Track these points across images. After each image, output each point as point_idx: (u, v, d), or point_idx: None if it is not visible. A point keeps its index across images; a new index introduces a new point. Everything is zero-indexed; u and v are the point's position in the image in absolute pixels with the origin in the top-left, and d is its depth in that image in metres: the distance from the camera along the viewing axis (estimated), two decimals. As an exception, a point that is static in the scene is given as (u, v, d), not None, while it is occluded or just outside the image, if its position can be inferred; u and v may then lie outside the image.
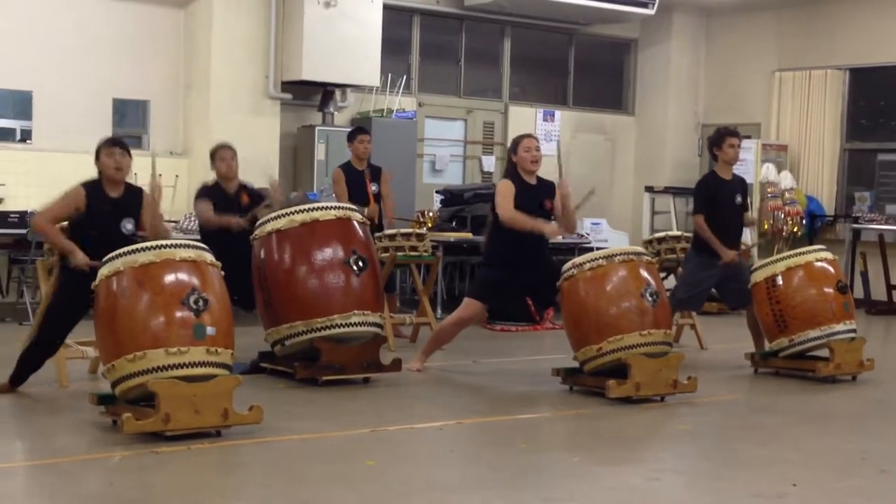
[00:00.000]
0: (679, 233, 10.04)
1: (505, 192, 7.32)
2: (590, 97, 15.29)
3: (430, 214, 11.45)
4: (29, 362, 6.46)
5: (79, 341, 6.92)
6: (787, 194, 13.90)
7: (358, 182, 9.21)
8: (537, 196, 7.41)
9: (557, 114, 14.69)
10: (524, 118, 14.38)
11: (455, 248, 11.03)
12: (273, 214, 7.24)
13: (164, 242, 5.70)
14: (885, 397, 7.53)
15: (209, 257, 5.72)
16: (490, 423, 6.33)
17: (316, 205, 7.46)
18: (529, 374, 7.85)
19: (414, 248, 9.08)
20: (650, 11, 14.14)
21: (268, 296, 7.11)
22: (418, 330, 9.29)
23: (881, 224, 13.31)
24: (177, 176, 11.70)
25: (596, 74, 15.54)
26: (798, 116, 14.28)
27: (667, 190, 14.24)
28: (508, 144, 7.76)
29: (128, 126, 12.11)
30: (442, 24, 14.07)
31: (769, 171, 13.87)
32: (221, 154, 8.12)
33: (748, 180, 9.39)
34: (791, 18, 14.54)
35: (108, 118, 11.60)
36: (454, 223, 11.72)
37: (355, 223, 7.22)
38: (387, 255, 8.81)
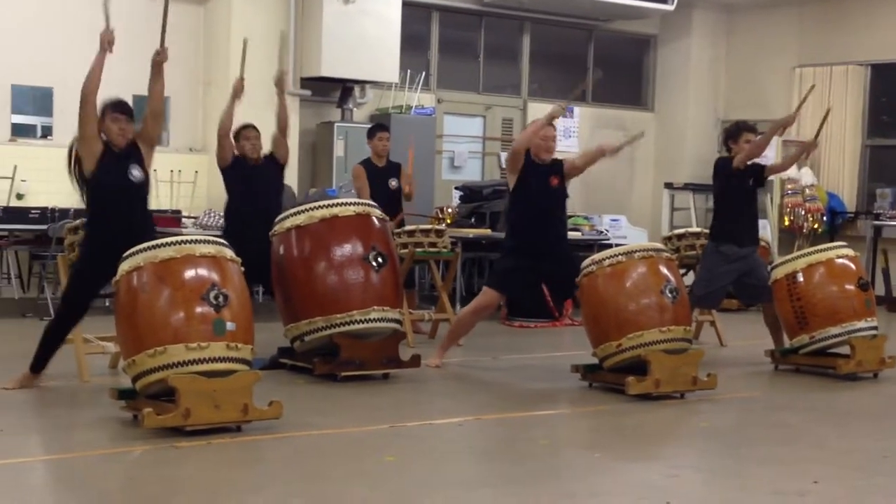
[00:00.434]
0: (699, 229, 10.01)
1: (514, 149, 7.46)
2: (609, 93, 15.25)
3: (449, 211, 11.44)
4: (50, 338, 6.49)
5: (99, 336, 6.96)
6: (807, 191, 13.85)
7: (379, 178, 9.22)
8: (547, 175, 7.42)
9: (577, 110, 14.66)
10: (543, 114, 14.33)
11: (474, 244, 11.02)
12: (293, 210, 7.24)
13: (184, 238, 5.72)
14: (906, 395, 7.50)
15: (229, 253, 5.73)
16: (509, 420, 6.32)
17: (335, 201, 7.48)
18: (548, 370, 7.84)
19: (433, 245, 9.08)
20: (670, 7, 14.11)
21: (287, 292, 7.12)
22: (437, 326, 9.29)
23: (903, 221, 13.25)
24: (196, 172, 11.75)
25: (615, 71, 15.50)
26: (819, 112, 14.15)
27: (686, 186, 14.19)
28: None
29: (148, 122, 12.14)
30: (461, 20, 14.07)
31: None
32: (246, 133, 8.18)
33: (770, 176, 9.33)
34: (812, 14, 14.47)
35: (126, 103, 11.61)
36: (473, 219, 11.72)
37: (375, 219, 7.22)
38: (406, 251, 8.81)
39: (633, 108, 15.51)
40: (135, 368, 5.50)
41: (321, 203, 7.26)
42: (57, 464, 5.06)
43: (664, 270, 6.94)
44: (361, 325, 6.95)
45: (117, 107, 6.46)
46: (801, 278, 7.87)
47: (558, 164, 7.55)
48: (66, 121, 11.24)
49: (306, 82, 12.12)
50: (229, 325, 5.49)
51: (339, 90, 12.43)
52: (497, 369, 8.01)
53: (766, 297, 8.13)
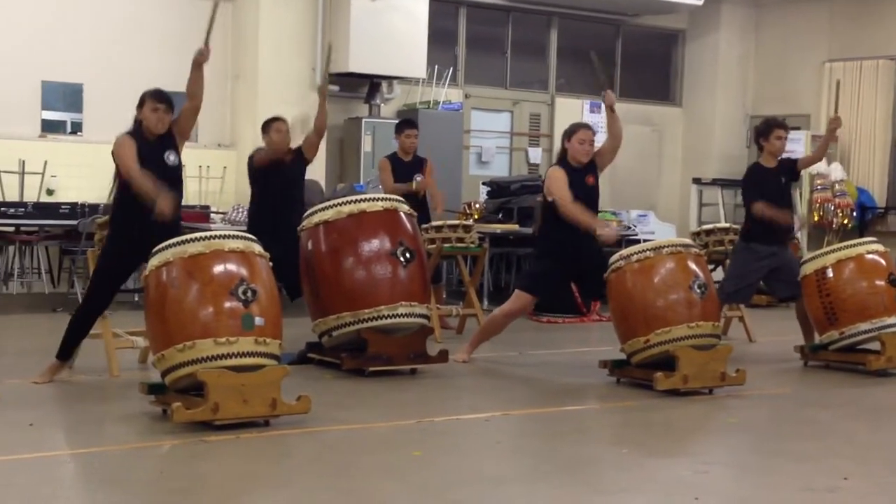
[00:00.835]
0: (727, 225, 9.97)
1: (558, 178, 7.30)
2: (637, 89, 15.20)
3: (477, 206, 11.45)
4: (77, 326, 6.53)
5: (129, 331, 6.99)
6: (837, 186, 13.77)
7: (404, 173, 9.23)
8: (583, 175, 7.39)
9: (604, 106, 14.60)
10: (571, 110, 14.33)
11: (501, 239, 11.01)
12: (321, 206, 7.26)
13: (213, 233, 5.74)
14: (937, 391, 7.44)
15: (257, 248, 5.75)
16: (537, 415, 6.32)
17: (363, 196, 7.48)
18: (576, 365, 7.82)
19: (461, 240, 9.08)
20: (698, 2, 14.06)
21: (315, 287, 7.13)
22: (465, 321, 9.28)
23: (933, 216, 13.15)
24: (224, 167, 11.79)
25: (643, 66, 15.45)
26: (849, 107, 14.10)
27: (715, 182, 14.14)
28: (560, 133, 7.77)
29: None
30: (488, 16, 14.05)
31: (819, 162, 13.70)
32: (278, 126, 8.29)
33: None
34: (842, 8, 14.37)
35: (167, 95, 11.68)
36: (500, 215, 11.70)
37: (402, 214, 7.23)
38: (433, 246, 8.81)
39: (661, 104, 15.45)
40: (164, 363, 5.53)
41: (349, 198, 7.27)
42: (87, 458, 5.09)
43: (693, 266, 6.91)
44: (389, 321, 6.96)
45: (157, 96, 6.50)
46: (830, 274, 7.82)
47: (591, 162, 7.51)
48: (95, 117, 11.35)
49: (334, 78, 12.12)
50: (258, 320, 5.51)
51: (366, 86, 12.44)
52: (525, 365, 8.00)
53: (799, 293, 8.08)
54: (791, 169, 8.30)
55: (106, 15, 11.48)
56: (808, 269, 7.95)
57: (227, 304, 5.48)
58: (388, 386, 6.83)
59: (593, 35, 14.98)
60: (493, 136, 14.12)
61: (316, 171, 11.19)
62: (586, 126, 7.63)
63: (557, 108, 14.41)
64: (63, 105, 11.78)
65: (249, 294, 5.51)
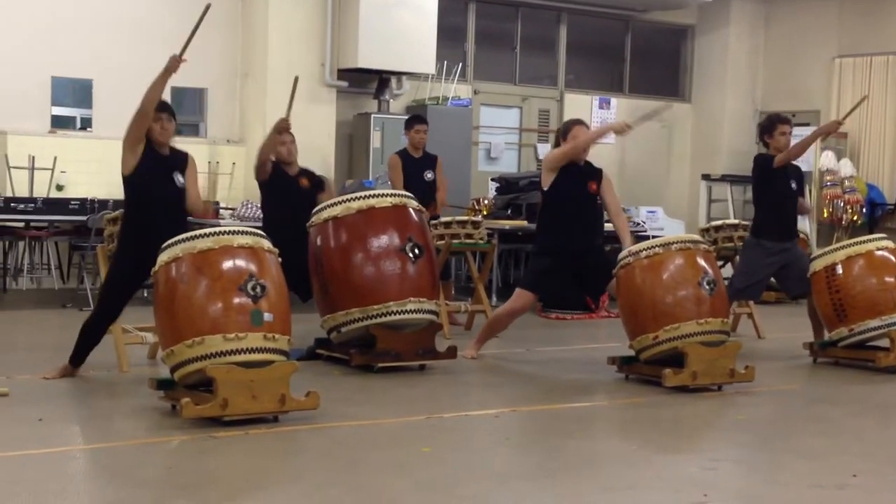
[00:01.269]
0: (736, 221, 9.95)
1: (554, 152, 7.38)
2: (646, 84, 15.18)
3: (486, 202, 11.45)
4: (90, 334, 6.55)
5: (138, 327, 7.01)
6: (846, 182, 13.74)
7: (414, 169, 9.23)
8: (583, 177, 7.38)
9: (613, 101, 14.61)
10: (580, 105, 14.32)
11: (510, 235, 11.00)
12: (330, 202, 7.27)
13: (222, 229, 5.75)
14: (947, 388, 7.42)
15: (267, 244, 5.75)
16: (545, 412, 6.32)
17: (372, 192, 7.49)
18: (584, 362, 7.82)
19: (469, 236, 9.08)
20: (708, -3, 14.03)
21: (324, 283, 7.14)
22: (473, 317, 9.28)
23: (944, 212, 13.11)
24: (234, 163, 11.81)
25: (652, 61, 15.43)
26: (860, 109, 14.05)
27: (724, 178, 14.12)
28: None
29: (185, 114, 12.20)
30: (497, 11, 14.04)
31: (828, 158, 13.71)
32: (281, 138, 8.11)
33: (806, 168, 9.29)
34: (852, 4, 14.34)
35: (168, 104, 11.69)
36: (509, 211, 11.70)
37: (411, 210, 7.23)
38: (442, 242, 8.81)
39: (671, 99, 15.42)
40: (173, 359, 5.54)
41: (358, 194, 7.27)
42: (96, 453, 5.10)
43: (702, 262, 6.90)
44: (398, 317, 6.96)
45: (160, 106, 6.50)
46: (840, 270, 7.80)
47: (597, 171, 7.48)
48: (105, 113, 11.37)
49: (343, 73, 12.14)
50: (267, 316, 5.51)
51: (375, 81, 12.45)
52: (533, 361, 8.00)
53: (809, 289, 8.06)
54: (799, 177, 8.33)
55: (115, 11, 11.49)
56: (817, 265, 7.93)
57: (236, 300, 5.49)
58: (396, 382, 6.83)
59: (603, 31, 14.97)
60: (501, 132, 14.11)
61: (325, 168, 11.21)
62: (579, 122, 7.59)
63: (567, 104, 14.40)
64: (73, 101, 11.80)
65: (258, 290, 5.52)
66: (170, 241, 5.67)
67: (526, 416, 6.20)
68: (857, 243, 7.94)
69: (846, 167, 13.81)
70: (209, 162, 11.58)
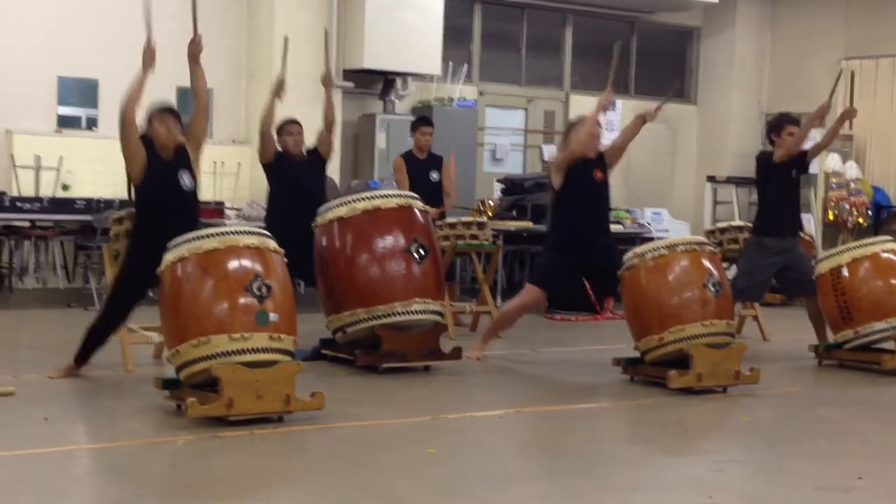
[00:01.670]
0: (742, 223, 9.94)
1: (558, 154, 7.46)
2: (652, 86, 15.17)
3: (491, 203, 11.44)
4: (95, 337, 6.56)
5: (144, 326, 7.01)
6: (852, 184, 13.72)
7: (419, 171, 9.24)
8: (588, 168, 7.39)
9: (619, 103, 14.58)
10: (585, 107, 14.20)
11: (515, 236, 11.00)
12: (335, 202, 7.26)
13: (228, 229, 5.75)
14: (952, 391, 7.41)
15: (272, 244, 5.75)
16: (550, 413, 6.31)
17: (377, 192, 7.49)
18: (589, 363, 7.82)
19: (474, 237, 9.08)
20: (714, -1, 14.02)
21: (329, 283, 7.14)
22: (478, 318, 9.29)
23: (949, 215, 13.09)
24: (239, 164, 11.81)
25: (658, 63, 15.42)
26: (865, 106, 14.04)
27: (729, 180, 14.10)
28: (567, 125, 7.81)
29: (190, 113, 12.22)
30: (503, 12, 14.04)
31: (834, 161, 13.68)
32: (289, 128, 8.22)
33: (812, 170, 9.27)
34: (858, 6, 14.32)
35: (173, 106, 11.70)
36: (514, 212, 11.69)
37: (417, 211, 7.23)
38: (447, 243, 8.82)
39: (676, 101, 15.40)
40: (179, 358, 5.54)
41: (363, 195, 7.27)
42: (101, 452, 5.11)
43: (707, 264, 6.90)
44: (403, 317, 6.97)
45: (161, 108, 6.52)
46: (845, 273, 7.79)
47: (600, 156, 7.51)
48: (111, 112, 11.31)
49: (349, 74, 12.14)
50: (272, 316, 5.52)
51: (381, 82, 12.44)
52: (538, 362, 8.00)
53: (810, 290, 8.07)
54: (801, 161, 8.28)
55: (121, 11, 11.47)
56: (823, 267, 7.92)
57: (242, 300, 5.49)
58: (401, 382, 6.84)
59: (608, 32, 14.94)
60: (507, 134, 14.11)
61: (331, 168, 11.18)
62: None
63: (572, 105, 14.38)
64: (79, 100, 11.80)
65: (264, 290, 5.52)
66: (175, 241, 5.67)
67: (531, 418, 6.20)
68: (862, 245, 7.94)
69: (852, 169, 13.79)
70: (214, 162, 11.59)
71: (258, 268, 5.58)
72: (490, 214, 10.86)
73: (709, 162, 15.04)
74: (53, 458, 4.90)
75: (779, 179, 8.15)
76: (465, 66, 13.15)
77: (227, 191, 11.74)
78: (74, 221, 10.04)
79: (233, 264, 5.57)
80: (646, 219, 12.32)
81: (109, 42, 11.37)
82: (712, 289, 6.79)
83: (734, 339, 7.03)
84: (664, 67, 15.53)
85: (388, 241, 7.04)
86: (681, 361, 6.72)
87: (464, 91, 12.94)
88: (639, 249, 7.05)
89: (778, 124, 8.24)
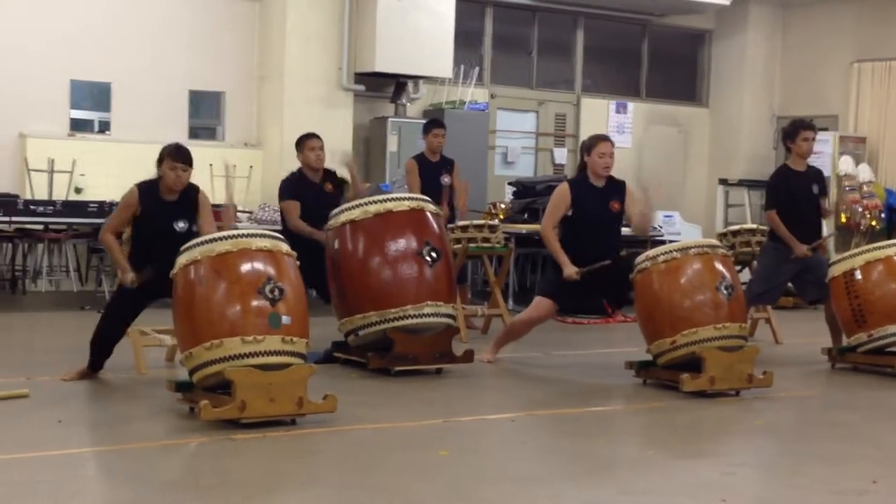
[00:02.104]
0: (754, 226, 9.91)
1: (555, 204, 7.36)
2: (663, 89, 15.16)
3: (502, 206, 11.44)
4: (98, 348, 6.57)
5: (156, 329, 7.02)
6: (865, 187, 13.68)
7: (431, 173, 9.24)
8: (605, 198, 7.34)
9: (630, 105, 14.60)
10: (596, 110, 14.32)
11: (527, 239, 10.99)
12: (348, 205, 7.27)
13: (240, 232, 5.77)
14: (966, 394, 7.38)
15: (285, 247, 5.77)
16: (562, 416, 6.31)
17: (390, 196, 7.49)
18: (602, 366, 7.81)
19: (486, 240, 9.08)
20: (726, 2, 14.02)
21: (341, 286, 7.15)
22: (490, 321, 9.29)
23: (962, 218, 13.04)
24: (251, 167, 11.83)
25: (670, 66, 15.41)
26: (877, 108, 14.03)
27: (741, 183, 14.08)
28: (581, 139, 7.73)
29: (203, 117, 12.26)
30: (515, 15, 14.04)
31: (847, 163, 13.65)
32: (311, 144, 8.14)
33: (825, 173, 9.25)
34: (870, 8, 14.28)
35: (185, 109, 11.76)
36: (526, 215, 11.69)
37: (429, 214, 7.23)
38: (459, 246, 8.82)
39: (688, 104, 15.40)
40: (192, 361, 5.56)
41: (375, 198, 7.28)
42: (114, 455, 5.12)
43: (719, 267, 6.89)
44: (415, 320, 6.97)
45: (175, 154, 6.45)
46: (859, 276, 7.77)
47: (620, 187, 7.44)
48: (123, 116, 11.43)
49: (360, 77, 12.16)
50: (285, 319, 5.53)
51: (392, 85, 12.46)
52: (550, 365, 7.99)
53: (827, 295, 8.03)
54: (820, 180, 8.27)
55: (134, 14, 11.54)
56: (836, 270, 7.90)
57: (255, 303, 5.50)
58: (413, 385, 6.84)
59: (620, 35, 14.95)
60: (518, 137, 14.10)
61: (342, 171, 11.20)
62: (605, 138, 7.52)
63: (583, 108, 14.39)
64: (91, 104, 11.85)
65: (276, 293, 5.53)
66: (188, 245, 5.69)
67: (543, 421, 6.20)
68: (875, 248, 7.92)
69: (865, 172, 13.75)
70: (226, 165, 11.60)
71: (270, 270, 5.59)
72: (501, 217, 10.86)
73: (720, 165, 15.02)
74: (67, 459, 4.92)
75: (796, 189, 8.09)
76: (477, 68, 13.16)
77: (238, 193, 11.75)
78: (87, 224, 10.07)
79: (245, 267, 5.59)
80: (658, 222, 12.30)
81: (122, 46, 11.43)
82: (725, 292, 6.78)
83: (747, 342, 7.01)
84: (676, 70, 15.52)
85: (401, 244, 7.04)
86: (693, 364, 6.71)
87: (475, 94, 12.95)
88: (651, 252, 7.04)
89: (793, 130, 8.21)
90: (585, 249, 7.25)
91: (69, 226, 10.22)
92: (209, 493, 4.48)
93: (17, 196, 10.35)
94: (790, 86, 15.12)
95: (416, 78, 12.48)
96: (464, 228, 9.03)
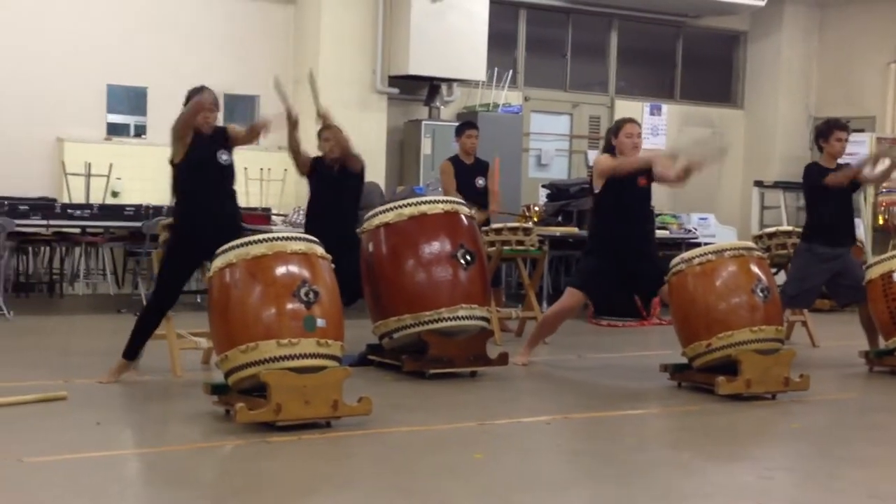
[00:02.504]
0: (790, 228, 9.85)
1: (605, 159, 7.39)
2: (698, 90, 15.10)
3: (536, 209, 11.43)
4: (143, 327, 6.65)
5: (192, 332, 7.06)
6: (902, 190, 13.55)
7: (466, 175, 9.24)
8: (635, 175, 7.34)
9: (664, 107, 14.54)
10: (630, 112, 14.19)
11: (561, 242, 10.98)
12: (382, 208, 7.28)
13: (276, 235, 5.80)
14: None
15: (320, 250, 5.78)
16: (597, 419, 6.29)
17: (424, 198, 7.50)
18: (636, 369, 7.78)
19: (520, 243, 9.07)
20: (761, 3, 13.94)
21: (376, 289, 7.16)
22: (524, 324, 9.27)
23: None
24: (285, 170, 11.85)
25: (704, 67, 15.34)
26: (914, 109, 13.91)
27: (777, 184, 13.99)
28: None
29: (238, 120, 12.27)
30: (548, 18, 14.03)
31: (884, 165, 13.50)
32: (324, 135, 8.21)
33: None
34: (908, 8, 14.17)
35: (220, 112, 11.79)
36: (560, 217, 11.67)
37: (463, 217, 7.23)
38: (493, 249, 8.82)
39: (722, 106, 15.32)
40: (227, 364, 5.58)
41: (410, 201, 7.29)
42: (151, 456, 5.16)
43: (755, 269, 6.85)
44: (449, 323, 6.97)
45: (203, 93, 6.73)
46: (896, 278, 7.71)
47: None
48: (159, 120, 11.45)
49: (394, 80, 12.19)
50: (320, 322, 5.55)
51: (426, 88, 12.47)
52: (584, 368, 7.98)
53: (862, 298, 7.97)
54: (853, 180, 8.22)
55: (170, 19, 11.62)
56: (873, 273, 7.84)
57: (290, 306, 5.52)
58: (448, 388, 6.84)
59: (654, 37, 14.90)
60: (552, 139, 14.09)
61: (376, 174, 11.25)
62: (630, 119, 7.61)
63: (617, 110, 14.34)
64: (127, 108, 11.95)
65: (311, 296, 5.55)
66: (224, 247, 5.72)
67: (578, 424, 6.19)
68: (913, 250, 7.85)
69: (902, 174, 13.63)
70: (261, 169, 11.66)
71: (305, 273, 5.61)
72: (535, 220, 10.85)
73: (756, 166, 14.93)
74: (106, 461, 4.95)
75: (835, 191, 8.03)
76: (510, 71, 13.15)
77: (273, 197, 11.82)
78: (124, 228, 10.15)
79: (280, 270, 5.61)
80: (692, 224, 12.25)
81: (158, 50, 11.51)
82: (760, 294, 6.74)
83: (783, 344, 6.97)
84: (711, 72, 15.46)
85: (435, 247, 7.05)
86: (729, 367, 6.68)
87: (509, 96, 12.95)
88: (686, 255, 7.01)
89: (827, 130, 8.15)
90: (616, 230, 7.30)
91: (106, 229, 10.30)
92: (244, 495, 4.51)
93: (54, 200, 10.45)
94: (826, 87, 15.02)
95: (449, 81, 12.49)
96: (498, 231, 9.02)
